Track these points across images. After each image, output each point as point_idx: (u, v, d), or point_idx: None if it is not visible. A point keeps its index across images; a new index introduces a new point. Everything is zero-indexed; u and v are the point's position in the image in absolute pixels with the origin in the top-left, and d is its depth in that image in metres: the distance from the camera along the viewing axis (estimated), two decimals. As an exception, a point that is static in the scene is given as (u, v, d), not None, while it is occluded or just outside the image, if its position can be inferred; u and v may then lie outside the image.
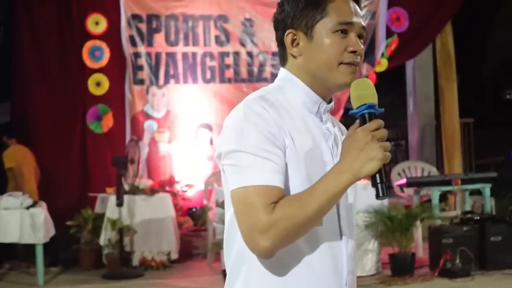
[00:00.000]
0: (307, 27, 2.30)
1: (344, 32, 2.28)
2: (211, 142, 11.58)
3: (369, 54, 12.36)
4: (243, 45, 11.88)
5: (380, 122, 2.11)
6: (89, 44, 11.11)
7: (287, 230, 2.10)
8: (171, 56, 11.55)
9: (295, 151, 2.21)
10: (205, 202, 10.50)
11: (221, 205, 8.76)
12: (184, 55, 11.61)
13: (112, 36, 11.27)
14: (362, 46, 2.30)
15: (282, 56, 2.41)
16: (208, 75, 11.69)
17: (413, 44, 12.79)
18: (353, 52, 2.28)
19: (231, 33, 11.83)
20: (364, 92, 2.17)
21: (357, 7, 2.34)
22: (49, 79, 11.11)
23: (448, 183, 10.28)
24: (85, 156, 11.18)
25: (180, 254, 10.18)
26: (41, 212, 9.20)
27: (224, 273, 8.71)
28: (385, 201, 9.37)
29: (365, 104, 2.15)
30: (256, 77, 11.91)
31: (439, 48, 12.99)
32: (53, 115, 11.09)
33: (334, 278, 2.30)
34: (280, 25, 2.39)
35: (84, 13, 11.15)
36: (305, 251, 2.23)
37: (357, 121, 2.16)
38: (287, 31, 2.34)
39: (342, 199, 2.24)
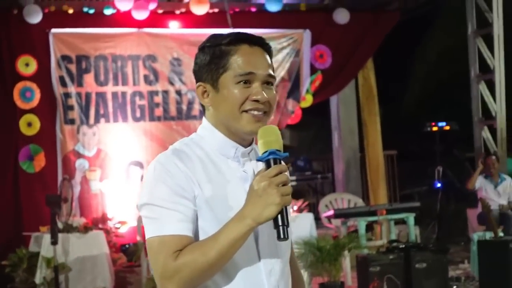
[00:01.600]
0: (213, 80, 2.51)
1: (247, 82, 2.46)
2: (142, 179, 11.75)
3: (295, 90, 12.76)
4: (171, 83, 12.12)
5: (281, 167, 2.29)
6: (20, 85, 11.19)
7: (190, 275, 2.30)
8: (101, 95, 11.72)
9: (205, 199, 2.40)
10: (138, 238, 10.66)
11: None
12: (114, 94, 11.78)
13: (42, 77, 11.35)
14: (266, 95, 2.46)
15: (202, 106, 2.62)
16: (138, 114, 11.89)
17: (337, 80, 13.21)
18: (256, 101, 2.45)
19: (160, 72, 12.06)
20: (268, 139, 2.36)
21: (263, 57, 2.52)
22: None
23: (373, 213, 10.65)
24: (18, 196, 11.20)
25: (115, 290, 10.33)
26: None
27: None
28: (314, 233, 9.70)
29: (267, 151, 2.33)
30: (185, 115, 12.16)
31: (361, 83, 13.45)
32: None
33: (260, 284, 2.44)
34: (195, 78, 2.61)
35: (14, 54, 11.21)
36: (223, 283, 2.40)
37: (263, 167, 2.34)
38: (197, 84, 2.57)
39: (265, 228, 2.38)
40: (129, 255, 11.01)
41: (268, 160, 2.32)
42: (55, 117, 11.45)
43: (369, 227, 11.31)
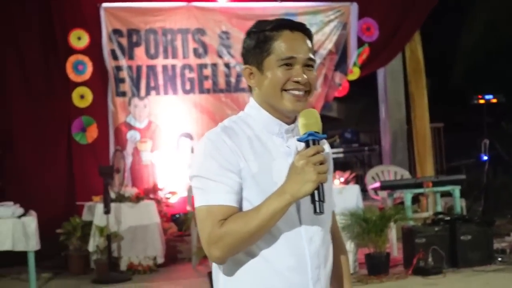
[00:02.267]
0: (258, 63, 2.72)
1: (289, 65, 2.67)
2: (192, 151, 11.96)
3: (342, 63, 12.86)
4: (220, 56, 12.30)
5: (318, 148, 2.50)
6: (72, 59, 11.45)
7: (233, 242, 2.52)
8: (151, 68, 11.94)
9: (251, 172, 2.61)
10: (188, 208, 10.89)
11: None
12: (164, 68, 12.00)
13: (94, 50, 11.60)
14: (306, 76, 2.67)
15: (249, 87, 2.83)
16: (188, 86, 12.10)
17: (384, 53, 13.28)
18: (296, 82, 2.66)
19: (209, 46, 12.24)
20: (308, 122, 2.57)
21: (304, 42, 2.72)
22: (34, 93, 11.41)
23: (419, 185, 10.75)
24: (71, 167, 11.52)
25: (165, 259, 10.58)
26: (32, 221, 9.54)
27: (209, 275, 9.10)
28: (360, 204, 9.84)
29: (307, 132, 2.54)
30: (233, 87, 12.34)
31: (409, 56, 13.50)
32: (38, 128, 11.39)
33: (297, 274, 2.64)
34: (243, 61, 2.82)
35: (67, 28, 11.46)
36: (264, 253, 2.61)
37: (303, 146, 2.56)
38: (244, 66, 2.78)
39: (306, 199, 2.53)
40: (179, 225, 11.26)
41: (308, 140, 2.53)
42: (107, 90, 11.70)
43: (415, 199, 11.42)
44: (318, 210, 2.49)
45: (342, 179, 10.10)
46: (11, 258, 10.56)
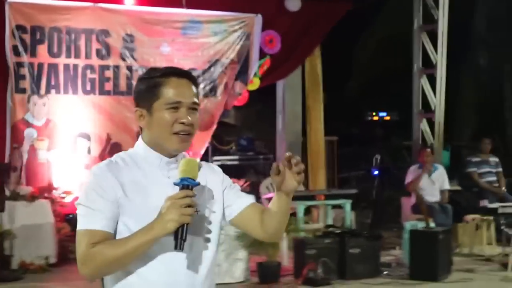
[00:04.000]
0: (148, 106, 2.99)
1: (175, 108, 2.96)
2: (89, 151, 11.97)
3: (243, 73, 13.07)
4: (123, 59, 12.33)
5: (187, 192, 2.80)
6: (-27, 52, 11.33)
7: (100, 264, 2.81)
8: (53, 66, 11.87)
9: (129, 201, 2.91)
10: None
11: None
12: (66, 66, 11.95)
13: (-4, 45, 11.51)
14: (191, 119, 2.97)
15: (140, 127, 3.11)
16: (88, 87, 12.07)
17: (284, 65, 13.56)
18: (182, 123, 2.96)
19: (112, 47, 12.26)
20: (185, 168, 2.86)
21: (189, 87, 3.01)
22: None
23: (312, 198, 11.08)
24: (-33, 162, 11.38)
25: (58, 259, 10.56)
26: None
27: (101, 279, 9.15)
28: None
29: (181, 178, 2.84)
30: (134, 90, 12.36)
31: (308, 70, 13.83)
32: None
33: (178, 270, 2.92)
34: (134, 103, 3.10)
35: (-31, 22, 11.36)
36: (141, 270, 2.89)
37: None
38: (135, 109, 3.06)
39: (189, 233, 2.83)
40: (72, 225, 11.21)
41: (181, 185, 2.83)
42: (7, 86, 11.57)
43: (307, 210, 11.69)
44: (178, 248, 2.78)
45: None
46: None
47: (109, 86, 12.25)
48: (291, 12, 13.27)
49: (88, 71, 12.10)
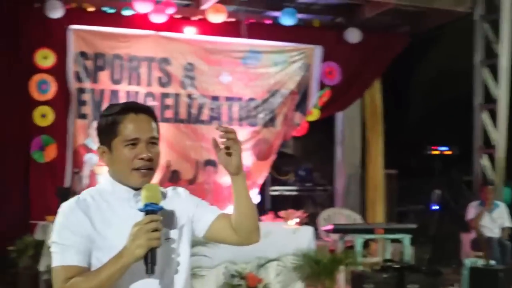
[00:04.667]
0: (107, 144, 3.05)
1: (133, 144, 3.00)
2: (148, 178, 12.00)
3: (303, 103, 13.06)
4: (183, 87, 12.41)
5: (152, 217, 2.85)
6: (36, 77, 11.47)
7: None
8: (114, 93, 12.00)
9: (100, 235, 2.96)
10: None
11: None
12: (127, 94, 12.06)
13: (59, 70, 11.62)
14: (150, 153, 3.01)
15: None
16: (149, 114, 12.13)
17: (344, 97, 13.53)
18: (141, 158, 3.00)
19: (173, 75, 12.35)
20: (148, 194, 2.91)
21: (147, 122, 3.05)
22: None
23: (371, 231, 10.95)
24: (28, 184, 11.49)
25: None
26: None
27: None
28: (313, 245, 9.97)
29: (145, 204, 2.89)
30: (194, 119, 12.44)
31: (368, 102, 13.78)
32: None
33: None
34: (98, 141, 3.13)
35: (33, 47, 11.47)
36: None
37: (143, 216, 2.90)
38: (98, 146, 3.11)
39: (160, 259, 2.91)
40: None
41: (145, 211, 2.88)
42: (68, 111, 11.72)
43: (365, 244, 11.56)
44: (149, 272, 2.85)
45: (297, 220, 10.22)
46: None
47: (169, 113, 12.32)
48: (351, 44, 13.26)
49: (149, 99, 12.20)
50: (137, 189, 3.03)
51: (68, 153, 11.68)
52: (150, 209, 2.87)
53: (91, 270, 2.92)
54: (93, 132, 11.63)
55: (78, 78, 11.81)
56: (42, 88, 11.50)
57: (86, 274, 2.88)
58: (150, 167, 3.02)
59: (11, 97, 11.52)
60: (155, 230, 2.82)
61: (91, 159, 11.76)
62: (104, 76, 11.97)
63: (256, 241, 3.31)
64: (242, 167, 3.11)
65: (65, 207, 3.01)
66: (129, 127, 3.00)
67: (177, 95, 12.37)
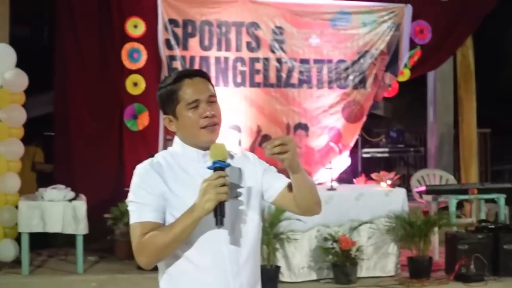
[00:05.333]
0: (172, 113, 3.29)
1: (195, 106, 3.21)
2: (240, 143, 12.10)
3: (393, 64, 12.89)
4: (272, 51, 12.40)
5: (220, 173, 3.02)
6: (128, 46, 11.62)
7: (153, 251, 3.06)
8: (204, 59, 12.09)
9: (173, 193, 3.17)
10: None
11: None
12: (217, 59, 12.14)
13: (149, 39, 11.75)
14: (212, 110, 3.21)
15: (173, 132, 3.39)
16: (239, 79, 12.23)
17: (435, 56, 13.32)
18: (206, 117, 3.20)
19: (262, 40, 12.35)
20: (215, 153, 3.10)
21: (203, 83, 3.26)
22: (90, 79, 11.64)
23: (465, 191, 10.83)
24: (122, 152, 11.71)
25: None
26: (82, 205, 9.80)
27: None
28: (406, 207, 9.93)
29: (214, 161, 3.07)
30: (284, 82, 12.44)
31: (460, 61, 13.53)
32: (92, 113, 11.64)
33: (217, 270, 3.14)
34: (162, 112, 3.38)
35: (124, 16, 11.65)
36: (187, 253, 3.14)
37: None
38: (163, 117, 3.35)
39: (229, 214, 3.08)
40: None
41: (213, 168, 3.07)
42: (160, 78, 11.84)
43: (459, 205, 11.46)
44: (218, 223, 3.01)
45: (389, 182, 10.17)
46: (59, 239, 10.88)
47: (259, 78, 12.35)
48: (442, 1, 13.03)
49: (239, 64, 12.24)
50: (205, 150, 3.22)
51: (160, 121, 11.81)
52: (218, 166, 3.05)
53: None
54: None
55: (168, 46, 11.92)
56: (134, 56, 11.65)
57: (161, 229, 3.08)
58: (215, 123, 3.23)
59: (105, 67, 11.76)
60: (223, 185, 2.99)
61: (183, 125, 11.87)
62: (193, 42, 12.05)
63: (317, 213, 3.41)
64: (300, 164, 3.22)
65: (140, 168, 3.26)
66: (188, 91, 3.22)
67: (266, 60, 12.38)
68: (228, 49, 12.21)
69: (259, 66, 12.35)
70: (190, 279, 3.16)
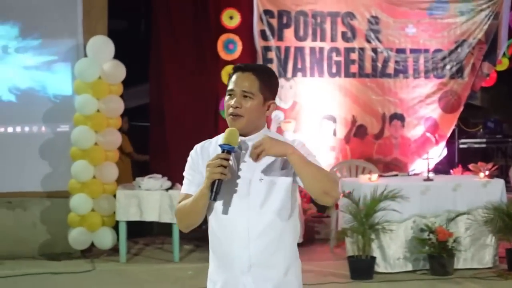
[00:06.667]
0: None
1: (230, 95, 3.59)
2: (334, 133, 12.09)
3: (491, 53, 12.67)
4: (368, 41, 12.33)
5: (219, 155, 3.40)
6: (223, 37, 11.72)
7: (181, 215, 3.64)
8: (299, 50, 12.10)
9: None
10: (328, 191, 11.01)
11: (347, 195, 9.30)
12: (312, 50, 12.14)
13: (244, 30, 11.85)
14: (243, 104, 3.52)
15: None
16: (334, 69, 12.20)
17: (535, 45, 13.03)
18: (231, 106, 3.54)
19: (357, 30, 12.29)
20: (225, 136, 3.47)
21: (244, 78, 3.57)
22: (186, 70, 11.78)
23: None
24: (218, 143, 11.81)
25: (304, 239, 10.76)
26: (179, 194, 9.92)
27: (348, 259, 9.27)
28: (504, 198, 9.75)
29: (222, 144, 3.43)
30: (379, 73, 12.36)
31: (561, 50, 13.19)
32: (187, 104, 11.79)
33: (239, 236, 3.52)
34: None
35: (219, 8, 11.76)
36: (215, 229, 3.60)
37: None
38: None
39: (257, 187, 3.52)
40: (318, 206, 11.40)
41: (222, 148, 3.43)
42: (254, 70, 11.88)
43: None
44: (211, 198, 3.43)
45: (487, 172, 10.00)
46: (154, 227, 11.06)
47: (354, 68, 12.29)
48: (542, -11, 12.73)
49: (334, 54, 12.21)
50: (244, 135, 3.59)
51: (254, 111, 11.88)
52: (226, 148, 3.41)
53: None
54: (279, 90, 11.79)
55: (264, 37, 11.97)
56: (229, 47, 11.74)
57: (188, 200, 3.59)
58: (237, 114, 3.54)
59: (200, 58, 11.88)
60: (221, 166, 3.36)
61: (278, 116, 11.95)
62: (288, 33, 12.08)
63: (327, 204, 3.60)
64: (285, 150, 3.41)
65: (193, 151, 3.74)
66: (231, 81, 3.61)
67: (361, 50, 12.32)
68: (323, 39, 12.19)
69: (354, 56, 12.30)
70: (214, 245, 3.66)
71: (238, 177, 3.55)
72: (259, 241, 3.50)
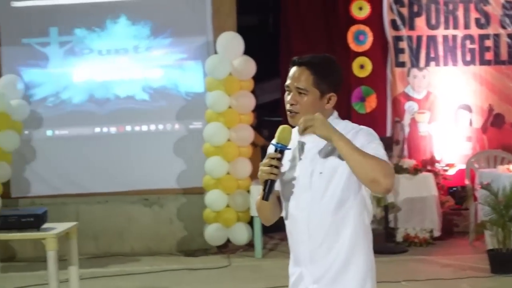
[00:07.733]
0: None
1: (287, 91, 3.51)
2: (471, 123, 11.77)
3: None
4: (503, 27, 11.94)
5: (270, 155, 3.39)
6: (353, 29, 11.61)
7: (257, 211, 3.66)
8: (432, 39, 11.83)
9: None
10: (466, 181, 10.78)
11: (485, 186, 9.02)
12: (445, 38, 11.85)
13: (374, 20, 11.70)
14: (299, 101, 3.45)
15: None
16: (468, 57, 11.87)
17: None
18: (287, 103, 3.48)
19: (492, 16, 11.92)
20: (277, 135, 3.39)
21: (299, 73, 3.49)
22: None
23: None
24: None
25: (441, 232, 10.54)
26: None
27: (488, 253, 8.98)
28: None
29: (275, 143, 3.40)
30: (516, 59, 11.98)
31: None
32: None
33: (300, 230, 3.48)
34: None
35: (349, -1, 11.70)
36: (287, 224, 3.55)
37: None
38: None
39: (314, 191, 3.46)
40: (456, 198, 11.15)
41: (274, 147, 3.41)
42: (386, 60, 11.75)
43: None
44: (264, 198, 3.42)
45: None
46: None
47: (489, 55, 11.92)
48: None
49: (468, 42, 11.88)
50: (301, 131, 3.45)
51: (388, 103, 11.74)
52: (278, 147, 3.38)
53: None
54: (412, 80, 11.61)
55: (394, 26, 11.78)
56: (359, 39, 11.62)
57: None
58: (292, 111, 3.47)
59: (330, 51, 11.71)
60: (271, 165, 3.35)
61: (411, 107, 11.73)
62: (420, 22, 11.83)
63: (377, 192, 3.44)
64: (332, 134, 3.32)
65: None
66: (288, 76, 3.51)
67: (496, 36, 11.93)
68: (456, 27, 11.88)
69: (489, 43, 11.92)
70: (288, 240, 3.63)
71: (301, 170, 3.49)
72: (315, 234, 3.45)
